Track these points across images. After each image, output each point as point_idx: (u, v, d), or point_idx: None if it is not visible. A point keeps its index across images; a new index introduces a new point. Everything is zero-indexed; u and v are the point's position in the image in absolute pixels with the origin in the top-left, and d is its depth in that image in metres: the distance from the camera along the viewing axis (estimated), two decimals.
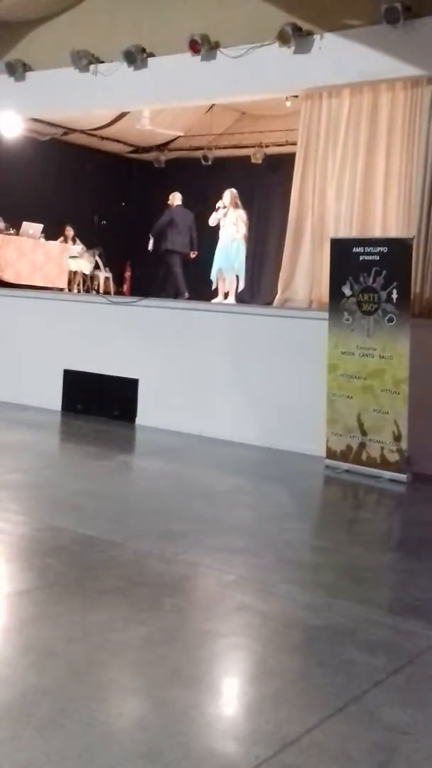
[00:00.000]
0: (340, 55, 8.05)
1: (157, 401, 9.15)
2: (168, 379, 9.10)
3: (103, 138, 14.60)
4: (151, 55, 9.30)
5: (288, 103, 11.39)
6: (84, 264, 14.08)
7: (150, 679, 3.19)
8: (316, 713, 2.96)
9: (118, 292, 14.22)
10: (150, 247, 13.28)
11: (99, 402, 9.58)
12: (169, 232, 13.05)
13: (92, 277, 14.38)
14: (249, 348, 8.53)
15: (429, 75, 7.91)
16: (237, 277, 11.56)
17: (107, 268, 14.48)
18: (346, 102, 9.13)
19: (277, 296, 9.78)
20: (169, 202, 13.27)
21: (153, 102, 10.58)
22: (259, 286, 13.85)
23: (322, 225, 9.30)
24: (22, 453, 7.41)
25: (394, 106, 8.77)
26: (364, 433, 7.31)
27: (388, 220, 8.85)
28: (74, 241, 14.14)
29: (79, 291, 13.78)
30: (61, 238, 13.92)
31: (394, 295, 7.08)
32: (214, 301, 11.09)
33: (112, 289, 14.38)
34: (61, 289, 12.78)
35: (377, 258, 7.20)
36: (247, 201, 12.60)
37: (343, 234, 8.80)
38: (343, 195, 9.17)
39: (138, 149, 15.79)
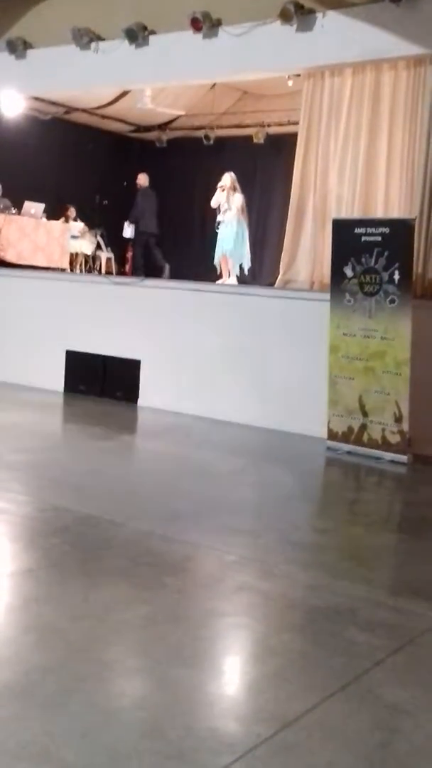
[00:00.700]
0: (342, 34, 7.99)
1: (160, 382, 9.16)
2: (170, 360, 9.10)
3: (104, 117, 14.50)
4: (153, 32, 9.22)
5: (290, 83, 11.28)
6: (85, 244, 14.05)
7: (152, 658, 3.21)
8: (317, 692, 2.98)
9: (120, 273, 14.18)
10: (131, 234, 13.34)
11: (101, 383, 9.59)
12: (144, 216, 13.22)
13: (94, 258, 14.35)
14: (251, 329, 8.52)
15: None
16: (241, 265, 11.51)
17: (109, 249, 14.45)
18: (348, 81, 9.07)
19: (279, 277, 9.75)
20: (139, 183, 13.35)
21: (154, 80, 10.51)
22: (260, 267, 13.79)
23: (324, 205, 9.26)
24: (25, 434, 7.42)
25: (396, 86, 8.71)
26: (365, 414, 7.32)
27: (390, 201, 8.82)
28: (76, 221, 14.09)
29: (81, 271, 13.75)
30: (63, 218, 13.87)
31: (396, 276, 7.06)
32: (218, 282, 11.04)
33: (114, 269, 14.35)
34: (63, 270, 12.75)
35: (379, 239, 7.18)
36: (248, 181, 12.52)
37: (345, 214, 8.76)
38: (345, 175, 9.12)
39: (139, 128, 15.69)
